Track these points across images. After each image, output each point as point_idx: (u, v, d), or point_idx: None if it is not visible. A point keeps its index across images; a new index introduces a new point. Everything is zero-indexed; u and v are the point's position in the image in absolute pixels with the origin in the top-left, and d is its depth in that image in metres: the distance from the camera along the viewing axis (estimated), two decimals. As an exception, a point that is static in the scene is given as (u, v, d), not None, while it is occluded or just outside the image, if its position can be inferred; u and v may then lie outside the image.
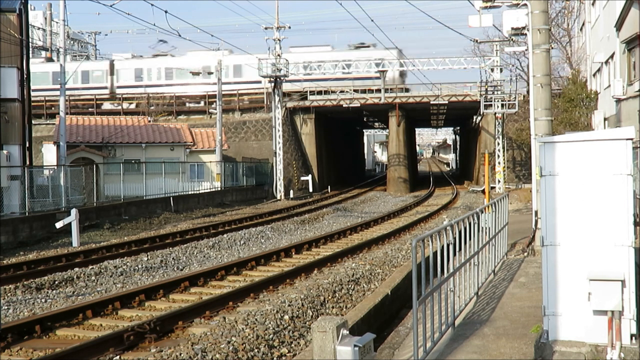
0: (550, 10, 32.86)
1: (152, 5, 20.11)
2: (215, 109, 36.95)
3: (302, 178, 43.94)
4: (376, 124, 66.90)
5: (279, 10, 37.26)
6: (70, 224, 17.70)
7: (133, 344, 7.91)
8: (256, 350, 7.71)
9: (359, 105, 45.74)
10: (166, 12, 20.34)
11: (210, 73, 36.69)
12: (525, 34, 15.20)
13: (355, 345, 4.88)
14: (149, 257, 14.45)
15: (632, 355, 5.71)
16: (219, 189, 34.75)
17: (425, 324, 5.98)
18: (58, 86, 25.60)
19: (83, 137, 35.36)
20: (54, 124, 39.25)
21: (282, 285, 11.61)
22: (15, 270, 13.25)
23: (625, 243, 5.87)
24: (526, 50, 16.48)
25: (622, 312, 5.73)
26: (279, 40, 36.87)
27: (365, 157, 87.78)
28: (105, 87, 48.35)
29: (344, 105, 45.54)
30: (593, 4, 29.67)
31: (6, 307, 9.92)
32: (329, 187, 47.94)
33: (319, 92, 44.58)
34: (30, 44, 26.39)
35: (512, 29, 15.48)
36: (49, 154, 33.33)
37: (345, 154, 61.89)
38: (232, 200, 34.54)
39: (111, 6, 20.29)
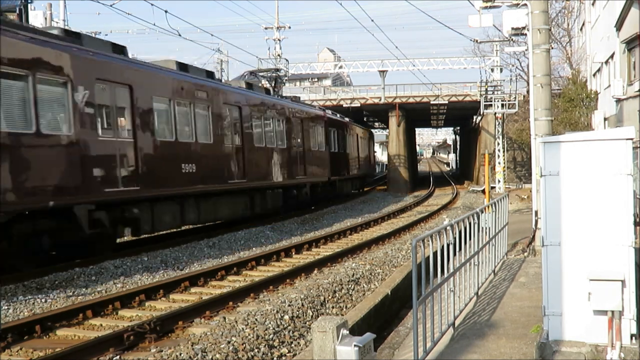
0: (550, 10, 32.87)
1: (152, 5, 20.12)
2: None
3: (302, 178, 43.87)
4: (376, 124, 66.90)
5: (279, 10, 37.36)
6: (70, 224, 17.65)
7: (133, 344, 7.91)
8: (256, 350, 7.70)
9: (359, 105, 45.76)
10: (166, 12, 20.35)
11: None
12: (525, 34, 15.21)
13: (355, 345, 4.88)
14: (149, 257, 14.44)
15: (632, 355, 5.71)
16: (219, 189, 34.47)
17: (425, 324, 5.97)
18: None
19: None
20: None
21: (282, 285, 11.60)
22: (15, 270, 13.23)
23: (625, 243, 5.87)
24: (526, 50, 16.48)
25: (622, 312, 5.73)
26: (279, 40, 36.91)
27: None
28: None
29: (344, 105, 45.57)
30: (593, 4, 29.67)
31: (6, 307, 9.92)
32: (329, 187, 47.92)
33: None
34: (30, 44, 26.33)
35: (512, 29, 15.49)
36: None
37: (345, 154, 61.81)
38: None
39: (111, 6, 20.33)
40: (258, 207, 21.76)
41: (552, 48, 24.46)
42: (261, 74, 32.13)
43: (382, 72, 41.24)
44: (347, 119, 37.43)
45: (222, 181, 18.87)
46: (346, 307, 10.32)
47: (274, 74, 31.96)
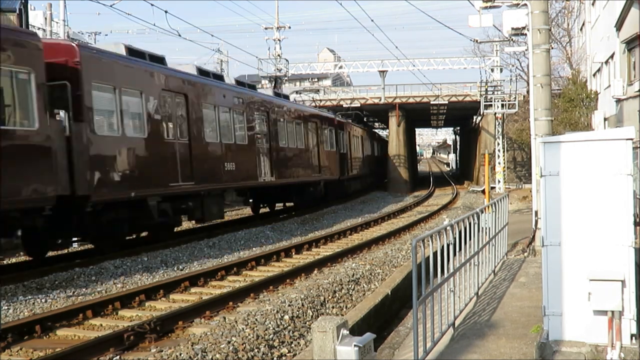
0: (550, 10, 32.85)
1: (152, 5, 20.12)
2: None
3: (303, 178, 44.21)
4: (376, 124, 66.90)
5: (279, 10, 37.38)
6: (70, 224, 17.66)
7: (133, 344, 7.91)
8: (256, 350, 7.70)
9: (359, 105, 45.76)
10: (166, 12, 20.35)
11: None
12: (525, 34, 15.20)
13: (355, 345, 4.88)
14: (149, 257, 14.44)
15: (632, 355, 5.71)
16: (219, 189, 34.75)
17: (425, 324, 5.97)
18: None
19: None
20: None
21: (282, 285, 11.60)
22: (15, 270, 13.25)
23: (625, 243, 5.87)
24: (526, 50, 16.48)
25: (622, 312, 5.73)
26: (279, 40, 36.87)
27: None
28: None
29: (344, 105, 45.55)
30: (593, 4, 29.66)
31: (6, 307, 9.92)
32: (329, 187, 48.32)
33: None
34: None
35: (512, 29, 15.48)
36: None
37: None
38: (232, 200, 34.43)
39: (111, 6, 20.33)
40: (364, 185, 42.14)
41: (552, 48, 24.45)
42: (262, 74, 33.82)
43: (382, 72, 41.22)
44: (378, 134, 58.56)
45: (362, 171, 40.93)
46: (346, 307, 10.32)
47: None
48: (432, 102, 45.30)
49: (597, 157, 5.99)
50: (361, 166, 40.70)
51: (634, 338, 5.88)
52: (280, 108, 23.92)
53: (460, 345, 6.72)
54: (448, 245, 6.84)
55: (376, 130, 65.54)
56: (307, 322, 9.02)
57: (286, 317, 9.02)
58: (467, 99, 44.21)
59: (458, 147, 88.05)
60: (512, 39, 18.55)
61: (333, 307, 10.16)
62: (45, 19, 29.73)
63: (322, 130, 29.38)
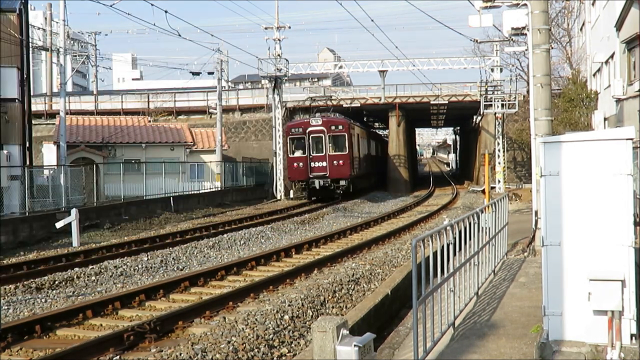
0: (550, 10, 32.82)
1: (152, 5, 20.11)
2: (216, 109, 36.94)
3: (303, 178, 44.18)
4: (376, 124, 66.89)
5: (279, 10, 37.34)
6: (70, 224, 17.69)
7: (133, 344, 7.91)
8: (256, 350, 7.71)
9: (359, 105, 45.73)
10: (166, 12, 20.35)
11: (210, 73, 36.79)
12: (525, 34, 15.20)
13: (355, 345, 4.88)
14: (149, 257, 14.44)
15: (632, 355, 5.71)
16: (219, 189, 34.72)
17: (425, 323, 5.97)
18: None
19: (83, 137, 35.32)
20: (54, 124, 39.20)
21: (282, 285, 11.60)
22: (15, 270, 13.25)
23: (625, 243, 5.87)
24: (526, 50, 16.48)
25: (622, 312, 5.73)
26: (279, 40, 36.85)
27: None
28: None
29: (344, 105, 45.51)
30: (593, 4, 29.65)
31: (6, 307, 9.92)
32: (329, 187, 48.31)
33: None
34: (30, 44, 26.40)
35: (512, 29, 15.48)
36: (49, 154, 33.27)
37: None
38: (232, 200, 34.50)
39: (111, 6, 20.32)
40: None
41: (552, 48, 24.46)
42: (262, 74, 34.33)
43: (382, 72, 41.14)
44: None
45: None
46: (346, 307, 10.32)
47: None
48: (432, 102, 45.25)
49: (597, 157, 5.99)
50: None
51: (633, 338, 5.88)
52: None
53: (460, 345, 6.72)
54: (448, 245, 6.84)
55: (376, 130, 65.68)
56: (307, 322, 9.02)
57: (286, 317, 9.02)
58: (467, 99, 44.17)
59: (458, 147, 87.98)
60: (512, 39, 18.54)
61: (333, 307, 10.16)
62: (45, 19, 29.76)
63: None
